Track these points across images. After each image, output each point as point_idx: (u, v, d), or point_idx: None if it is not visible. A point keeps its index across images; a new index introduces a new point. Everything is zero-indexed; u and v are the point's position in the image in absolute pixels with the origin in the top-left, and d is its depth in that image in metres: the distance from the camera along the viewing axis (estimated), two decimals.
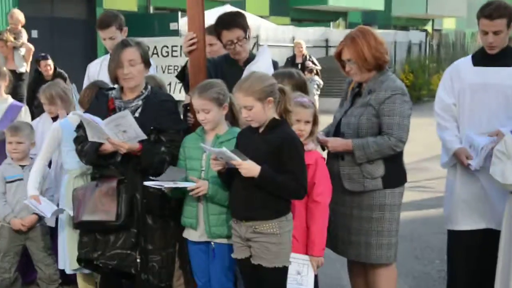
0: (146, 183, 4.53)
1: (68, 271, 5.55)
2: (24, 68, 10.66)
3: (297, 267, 4.45)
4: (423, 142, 8.62)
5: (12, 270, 5.86)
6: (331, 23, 30.13)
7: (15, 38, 10.87)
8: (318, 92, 16.90)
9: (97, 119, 4.66)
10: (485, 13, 5.13)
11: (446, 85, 5.51)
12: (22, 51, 10.94)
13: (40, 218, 5.78)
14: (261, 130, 4.37)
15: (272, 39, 21.83)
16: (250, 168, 4.15)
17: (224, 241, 4.59)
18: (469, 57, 5.52)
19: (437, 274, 6.14)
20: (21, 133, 5.77)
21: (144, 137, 4.67)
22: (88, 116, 4.72)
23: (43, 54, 10.85)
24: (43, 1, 21.11)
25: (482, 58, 5.35)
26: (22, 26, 11.29)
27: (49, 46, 11.14)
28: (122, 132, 4.61)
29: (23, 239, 5.86)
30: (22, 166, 5.85)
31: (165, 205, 4.83)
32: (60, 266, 5.63)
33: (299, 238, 4.49)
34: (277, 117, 4.36)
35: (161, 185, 4.45)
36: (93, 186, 4.90)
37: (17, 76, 10.44)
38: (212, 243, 4.62)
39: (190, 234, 4.70)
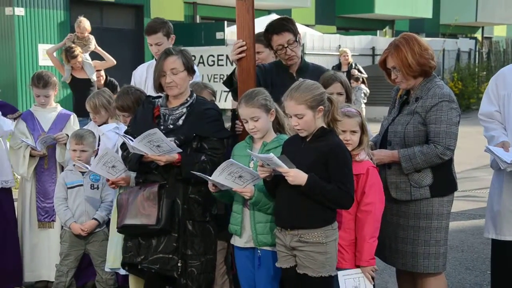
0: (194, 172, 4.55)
1: (108, 268, 5.61)
2: (95, 75, 10.77)
3: (353, 283, 4.41)
4: (473, 151, 8.53)
5: (70, 274, 5.94)
6: (378, 32, 30.07)
7: (84, 45, 11.00)
8: (365, 101, 16.83)
9: (129, 139, 4.76)
10: None
11: (490, 92, 5.42)
12: (89, 58, 11.05)
13: (101, 224, 5.89)
14: (308, 138, 4.33)
15: (317, 47, 21.86)
16: (297, 176, 4.11)
17: (270, 248, 4.55)
18: None
19: (489, 285, 6.00)
20: (86, 142, 5.88)
21: (178, 150, 4.71)
22: (123, 136, 4.88)
23: (94, 78, 10.93)
24: (93, 12, 21.36)
25: None
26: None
27: (100, 55, 11.21)
28: (156, 147, 4.66)
29: (83, 244, 5.95)
30: (82, 173, 5.93)
31: (206, 211, 4.84)
32: (110, 266, 5.64)
33: (348, 250, 4.45)
34: (325, 126, 4.34)
35: (209, 178, 4.44)
36: (136, 190, 4.95)
37: (88, 84, 10.64)
38: (259, 251, 4.58)
39: (236, 240, 4.69)
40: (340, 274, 4.38)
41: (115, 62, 11.24)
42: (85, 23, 11.23)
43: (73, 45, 10.71)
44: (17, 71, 19.18)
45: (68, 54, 10.50)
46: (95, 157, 5.73)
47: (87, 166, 4.96)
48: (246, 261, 4.68)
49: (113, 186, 5.48)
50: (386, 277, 5.10)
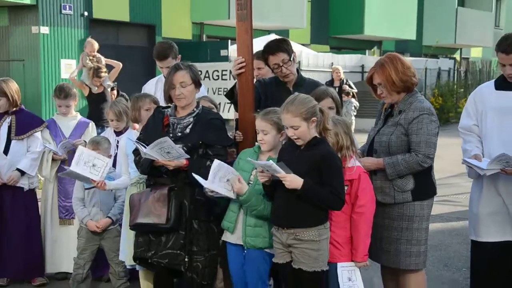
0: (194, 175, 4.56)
1: (127, 266, 5.62)
2: (111, 85, 10.88)
3: (347, 275, 4.42)
4: (451, 160, 8.55)
5: (86, 267, 5.96)
6: (367, 51, 30.11)
7: (97, 62, 11.10)
8: (355, 113, 16.87)
9: (141, 146, 4.78)
10: (501, 48, 5.11)
11: (469, 107, 5.47)
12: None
13: (114, 222, 5.91)
14: (302, 147, 4.35)
15: (312, 65, 21.90)
16: (293, 180, 4.15)
17: (257, 248, 4.58)
18: (492, 81, 5.48)
19: (464, 281, 6.04)
20: (101, 147, 5.86)
21: (186, 156, 4.73)
22: (136, 142, 4.90)
23: (111, 85, 11.00)
24: (110, 31, 21.42)
25: (503, 83, 5.29)
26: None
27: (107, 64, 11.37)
28: (166, 153, 4.69)
29: (98, 239, 5.98)
30: None
31: (210, 212, 4.84)
32: (121, 258, 5.70)
33: (345, 246, 4.45)
34: (317, 135, 4.35)
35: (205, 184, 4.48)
36: (148, 192, 4.95)
37: (103, 98, 10.77)
38: (244, 250, 4.63)
39: (228, 237, 4.72)
40: (339, 265, 4.41)
41: (121, 64, 11.32)
42: (94, 44, 11.38)
43: (101, 66, 10.87)
44: (42, 83, 19.19)
45: (96, 74, 10.68)
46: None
47: (140, 145, 4.81)
48: (236, 255, 4.69)
49: (103, 188, 5.59)
50: (372, 272, 5.09)
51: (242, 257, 4.63)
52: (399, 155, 4.78)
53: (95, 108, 10.63)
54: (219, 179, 4.46)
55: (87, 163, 5.48)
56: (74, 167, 5.50)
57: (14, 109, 6.58)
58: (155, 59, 6.48)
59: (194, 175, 4.55)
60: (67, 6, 20.21)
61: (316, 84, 5.82)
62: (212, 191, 4.50)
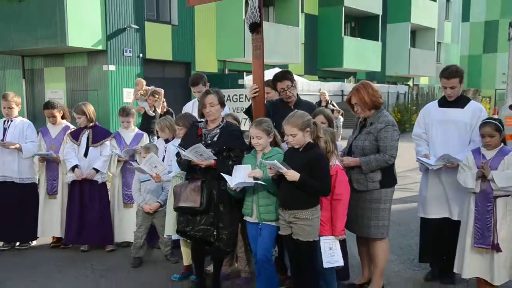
0: (223, 174, 4.57)
1: (174, 238, 5.58)
2: (154, 113, 10.96)
3: (328, 245, 4.38)
4: (407, 159, 8.50)
5: (143, 238, 6.02)
6: (345, 79, 30.11)
7: (144, 96, 11.22)
8: (341, 125, 16.96)
9: (182, 150, 4.82)
10: (444, 75, 5.14)
11: (419, 120, 5.46)
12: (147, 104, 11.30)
13: (162, 205, 5.91)
14: (300, 149, 4.35)
15: (305, 90, 21.88)
16: (292, 175, 4.15)
17: (268, 223, 4.56)
18: (436, 101, 5.48)
19: (416, 246, 6.01)
20: (151, 151, 5.88)
21: (214, 157, 4.75)
22: (178, 147, 4.92)
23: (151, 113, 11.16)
24: (158, 67, 21.51)
25: (444, 102, 5.29)
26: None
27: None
28: (199, 155, 4.71)
29: (151, 218, 6.01)
30: None
31: (231, 199, 4.82)
32: (168, 233, 5.66)
33: (327, 223, 4.42)
34: (311, 141, 4.36)
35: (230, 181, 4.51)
36: (186, 184, 4.94)
37: (150, 117, 11.02)
38: (260, 225, 4.60)
39: (248, 218, 4.71)
40: (322, 239, 4.37)
41: (162, 90, 11.33)
42: (142, 82, 11.60)
43: (155, 90, 11.10)
44: (110, 106, 19.29)
45: (151, 94, 10.99)
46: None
47: (181, 149, 4.88)
48: (253, 230, 4.68)
49: (158, 180, 5.77)
50: (349, 241, 5.06)
51: (257, 231, 4.61)
52: (371, 155, 4.77)
53: (145, 122, 10.95)
54: (239, 175, 4.46)
55: (152, 164, 5.68)
56: (143, 165, 5.72)
57: (91, 124, 6.61)
58: (190, 86, 6.48)
59: (222, 174, 4.55)
60: (128, 50, 20.31)
61: (310, 104, 5.87)
62: (235, 189, 4.53)
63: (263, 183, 4.42)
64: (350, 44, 29.57)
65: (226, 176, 4.50)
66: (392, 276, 5.55)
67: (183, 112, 6.49)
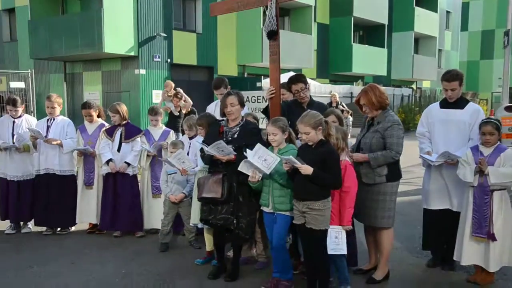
0: (241, 168, 4.53)
1: (200, 226, 5.56)
2: (178, 113, 10.90)
3: (335, 234, 4.33)
4: (411, 155, 8.38)
5: (169, 225, 6.00)
6: (354, 83, 29.89)
7: (170, 97, 11.15)
8: (350, 124, 16.84)
9: (205, 146, 4.83)
10: (445, 78, 5.09)
11: (423, 120, 5.38)
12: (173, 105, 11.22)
13: (187, 196, 5.89)
14: (313, 146, 4.30)
15: (317, 92, 21.74)
16: (306, 169, 4.11)
17: (282, 212, 4.53)
18: (437, 102, 5.40)
19: (418, 234, 5.92)
20: (178, 147, 5.88)
21: (234, 153, 4.72)
22: (202, 143, 4.96)
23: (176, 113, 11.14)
24: (184, 71, 21.58)
25: (445, 103, 5.22)
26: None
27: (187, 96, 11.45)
28: (221, 150, 4.70)
29: (176, 207, 5.99)
30: None
31: (250, 191, 4.78)
32: (193, 222, 5.66)
33: (335, 214, 4.36)
34: (323, 138, 4.31)
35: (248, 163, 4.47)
36: (209, 176, 4.92)
37: (175, 117, 10.93)
38: (275, 214, 4.57)
39: (264, 208, 4.68)
40: (330, 227, 4.31)
41: (191, 102, 11.17)
42: (171, 84, 11.48)
43: (178, 91, 10.96)
44: (140, 106, 19.42)
45: (175, 96, 10.90)
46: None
47: (204, 145, 4.92)
48: (269, 219, 4.64)
49: (185, 173, 5.76)
50: (358, 230, 5.01)
51: (273, 220, 4.58)
52: (379, 151, 4.72)
53: (171, 121, 10.88)
54: (258, 157, 4.38)
55: (180, 159, 5.66)
56: (171, 159, 5.69)
57: (124, 122, 6.62)
58: (213, 89, 6.48)
59: (240, 167, 4.52)
60: (157, 56, 20.39)
61: (322, 105, 5.81)
62: (255, 181, 4.51)
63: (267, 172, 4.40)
64: (358, 51, 29.37)
65: (248, 151, 4.44)
66: (396, 262, 5.48)
67: (206, 111, 6.47)
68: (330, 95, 17.93)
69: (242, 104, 5.02)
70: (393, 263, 5.31)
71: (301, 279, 4.77)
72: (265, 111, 5.69)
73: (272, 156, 4.38)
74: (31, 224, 6.91)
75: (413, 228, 6.72)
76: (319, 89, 22.59)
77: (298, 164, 4.12)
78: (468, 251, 4.72)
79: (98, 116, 6.86)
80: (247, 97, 20.86)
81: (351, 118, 16.87)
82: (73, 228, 6.89)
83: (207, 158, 4.92)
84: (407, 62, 34.21)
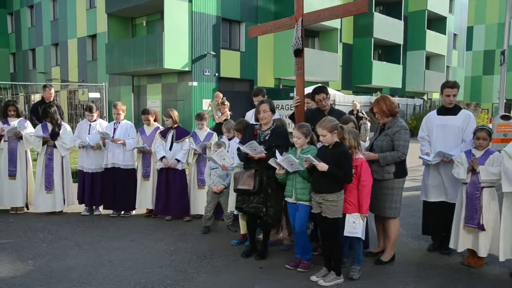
0: (270, 162, 4.48)
1: (236, 213, 5.46)
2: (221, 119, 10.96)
3: (353, 219, 4.26)
4: (416, 155, 8.24)
5: (211, 211, 5.97)
6: (373, 94, 29.34)
7: (218, 105, 11.18)
8: (368, 129, 16.48)
9: (241, 145, 4.84)
10: (449, 85, 5.06)
11: (423, 125, 5.30)
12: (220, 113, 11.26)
13: (226, 187, 5.83)
14: (329, 147, 4.24)
15: (342, 102, 21.46)
16: (323, 166, 4.07)
17: (303, 202, 4.47)
18: (435, 110, 5.31)
19: (420, 223, 5.75)
20: (221, 147, 5.84)
21: (265, 152, 4.69)
22: (239, 143, 5.01)
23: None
24: (229, 83, 21.73)
25: (441, 111, 5.16)
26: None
27: (231, 106, 11.49)
28: (254, 149, 4.68)
29: (217, 197, 5.94)
30: None
31: (277, 184, 4.73)
32: (230, 209, 5.62)
33: (354, 204, 4.28)
34: (338, 140, 4.25)
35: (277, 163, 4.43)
36: (243, 171, 4.91)
37: (220, 123, 10.77)
38: (297, 204, 4.51)
39: (288, 199, 4.62)
40: (348, 215, 4.27)
41: (229, 115, 11.05)
42: (220, 95, 11.43)
43: (224, 101, 10.91)
44: (192, 112, 19.61)
45: (221, 104, 10.91)
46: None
47: (240, 145, 4.96)
48: (292, 208, 4.58)
49: (225, 169, 5.71)
50: (369, 219, 4.91)
51: (295, 209, 4.53)
52: (388, 152, 4.63)
53: (217, 126, 10.75)
54: (287, 161, 4.34)
55: (221, 156, 5.62)
56: (214, 156, 5.65)
57: (175, 125, 6.66)
58: (252, 96, 6.37)
59: (270, 161, 4.49)
60: (207, 70, 20.59)
61: (340, 112, 5.70)
62: (281, 174, 4.48)
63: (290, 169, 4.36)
64: (377, 67, 28.84)
65: (278, 155, 4.40)
66: (402, 246, 5.36)
67: (246, 117, 6.47)
68: (352, 104, 17.64)
69: (273, 110, 4.97)
70: (398, 247, 5.22)
71: (319, 259, 4.71)
72: (292, 117, 5.63)
73: (296, 161, 4.33)
74: (101, 208, 7.07)
75: (417, 218, 6.53)
76: (343, 99, 22.27)
77: (316, 162, 4.08)
78: (462, 239, 4.65)
79: (155, 120, 6.94)
80: (282, 105, 20.72)
81: (369, 124, 16.49)
82: (133, 212, 6.98)
83: (242, 156, 4.90)
84: (419, 76, 33.37)
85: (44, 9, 29.18)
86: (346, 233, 4.24)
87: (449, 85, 5.04)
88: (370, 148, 4.86)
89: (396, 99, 4.95)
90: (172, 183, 6.55)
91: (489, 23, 49.12)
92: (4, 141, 6.87)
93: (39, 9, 29.69)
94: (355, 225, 4.26)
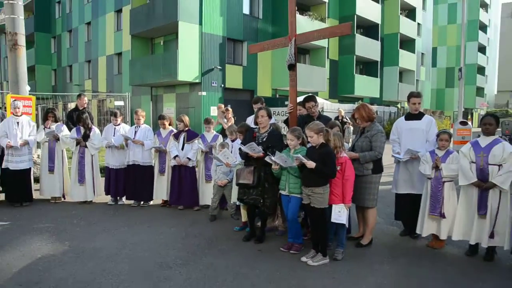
0: (267, 159, 4.43)
1: (237, 203, 5.49)
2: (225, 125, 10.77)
3: (338, 209, 4.25)
4: (389, 154, 8.23)
5: (217, 202, 5.91)
6: (356, 102, 29.23)
7: (224, 113, 11.01)
8: (351, 132, 16.38)
9: (242, 146, 4.79)
10: (414, 94, 5.07)
11: (393, 129, 5.27)
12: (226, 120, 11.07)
13: (229, 182, 5.75)
14: (316, 147, 4.22)
15: (329, 108, 21.40)
16: (311, 164, 4.06)
17: (295, 195, 4.44)
18: (403, 117, 5.30)
19: (393, 212, 5.73)
20: (225, 147, 5.79)
21: (262, 151, 4.65)
22: (240, 144, 4.92)
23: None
24: (232, 93, 21.64)
25: (408, 117, 5.15)
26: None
27: (234, 112, 11.39)
28: (253, 149, 4.65)
29: (222, 190, 5.88)
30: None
31: (273, 179, 4.71)
32: (233, 200, 5.61)
33: (339, 195, 4.26)
34: (324, 142, 4.22)
35: (272, 159, 4.38)
36: (244, 168, 4.88)
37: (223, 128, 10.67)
38: (289, 196, 4.48)
39: (282, 191, 4.59)
40: (334, 205, 4.24)
41: (229, 124, 10.85)
42: (221, 106, 11.32)
43: (229, 109, 10.79)
44: (201, 118, 19.51)
45: (225, 114, 10.64)
46: None
47: (242, 146, 4.89)
48: (285, 199, 4.55)
49: (229, 166, 5.60)
50: (351, 208, 4.88)
51: (288, 200, 4.50)
52: (367, 152, 4.62)
53: (222, 130, 10.63)
54: (282, 158, 4.32)
55: (225, 156, 5.54)
56: (219, 155, 5.57)
57: (186, 129, 6.62)
58: (252, 103, 6.31)
59: (266, 159, 4.45)
60: (214, 82, 20.53)
61: (327, 118, 5.63)
62: (276, 169, 4.42)
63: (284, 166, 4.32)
64: (359, 79, 28.74)
65: (277, 153, 4.36)
66: (378, 232, 5.33)
67: (246, 121, 6.43)
68: (338, 111, 17.60)
69: (270, 116, 4.95)
70: (375, 232, 5.19)
71: (308, 243, 4.68)
72: (286, 121, 5.61)
73: (289, 159, 4.30)
74: (124, 199, 7.03)
75: (391, 208, 6.46)
76: (330, 107, 22.19)
77: (305, 160, 4.06)
78: (427, 225, 4.68)
79: (170, 124, 6.91)
80: (278, 111, 20.54)
81: (351, 128, 16.43)
82: (151, 202, 6.94)
83: (243, 155, 4.89)
84: (394, 88, 33.27)
85: (80, 33, 29.67)
86: (333, 220, 4.23)
87: (414, 95, 5.05)
88: (352, 148, 4.84)
89: (374, 107, 4.91)
90: (184, 178, 6.52)
91: (449, 45, 50.90)
92: (45, 142, 6.90)
93: (76, 33, 30.26)
94: (340, 214, 4.25)
